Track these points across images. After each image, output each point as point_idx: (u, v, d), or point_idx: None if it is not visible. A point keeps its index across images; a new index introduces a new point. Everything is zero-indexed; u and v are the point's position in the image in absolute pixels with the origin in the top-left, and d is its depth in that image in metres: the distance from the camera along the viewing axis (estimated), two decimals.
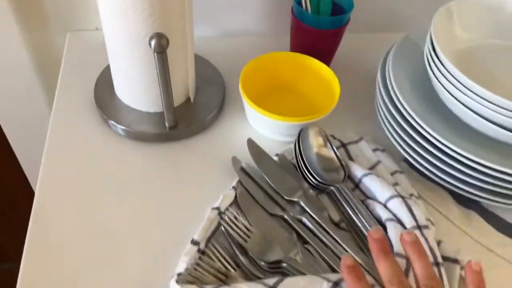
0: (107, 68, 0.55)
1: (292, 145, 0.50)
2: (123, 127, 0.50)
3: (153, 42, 0.42)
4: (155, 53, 0.43)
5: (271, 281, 0.38)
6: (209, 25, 0.65)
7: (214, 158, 0.50)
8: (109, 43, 0.47)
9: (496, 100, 0.42)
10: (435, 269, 0.40)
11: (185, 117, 0.52)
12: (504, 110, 0.42)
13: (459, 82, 0.44)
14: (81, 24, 0.63)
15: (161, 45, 0.42)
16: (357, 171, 0.47)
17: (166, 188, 0.48)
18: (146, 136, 0.51)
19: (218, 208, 0.43)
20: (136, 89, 0.50)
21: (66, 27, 0.63)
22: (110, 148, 0.51)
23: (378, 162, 0.50)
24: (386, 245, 0.36)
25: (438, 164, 0.46)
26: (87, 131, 0.52)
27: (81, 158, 0.49)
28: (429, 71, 0.48)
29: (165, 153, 0.51)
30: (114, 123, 0.51)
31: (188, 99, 0.54)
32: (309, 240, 0.43)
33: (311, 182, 0.47)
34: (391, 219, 0.43)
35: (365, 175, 0.47)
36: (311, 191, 0.47)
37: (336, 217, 0.45)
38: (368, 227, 0.43)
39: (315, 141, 0.48)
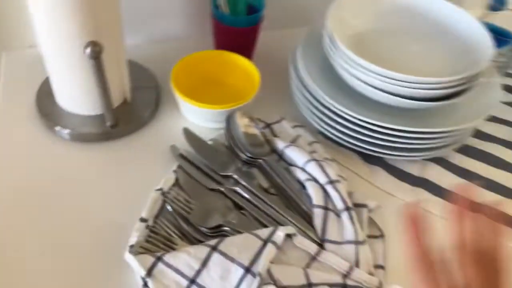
0: (46, 80, 0.59)
1: (223, 131, 0.57)
2: (68, 131, 0.55)
3: (88, 50, 0.48)
4: (91, 59, 0.49)
5: (212, 242, 0.45)
6: (139, 33, 0.70)
7: (155, 149, 0.56)
8: (47, 54, 0.52)
9: (383, 72, 0.51)
10: (346, 213, 0.48)
11: (124, 117, 0.58)
12: (390, 80, 0.52)
13: (353, 61, 0.53)
14: (15, 42, 0.66)
15: (96, 52, 0.48)
16: (280, 144, 0.55)
17: (113, 182, 0.53)
18: (90, 137, 0.56)
19: (161, 189, 0.50)
20: (76, 95, 0.55)
21: (0, 46, 0.67)
22: (58, 153, 0.55)
23: (298, 136, 0.58)
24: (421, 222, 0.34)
25: (345, 131, 0.55)
26: (33, 141, 0.56)
27: (31, 167, 0.54)
28: (329, 55, 0.57)
29: (109, 151, 0.56)
30: (59, 129, 0.56)
31: (125, 100, 0.60)
32: (243, 206, 0.50)
33: (242, 158, 0.54)
34: (309, 179, 0.51)
35: (287, 146, 0.55)
36: (243, 167, 0.54)
37: (265, 184, 0.53)
38: (293, 189, 0.51)
39: (241, 122, 0.55)
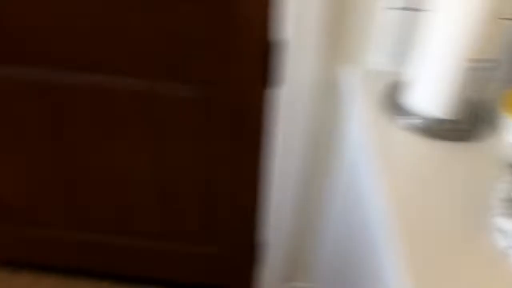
0: (384, 88, 0.75)
1: None
2: (420, 122, 0.69)
3: (468, 64, 0.63)
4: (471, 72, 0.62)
5: None
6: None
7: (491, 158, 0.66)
8: (434, 66, 0.67)
9: None
10: None
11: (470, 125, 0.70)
12: None
13: None
14: (354, 59, 0.84)
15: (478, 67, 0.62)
16: None
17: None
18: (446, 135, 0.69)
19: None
20: (446, 100, 0.68)
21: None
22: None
23: None
24: None
25: None
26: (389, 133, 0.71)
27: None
28: None
29: (463, 150, 0.68)
30: (416, 122, 0.70)
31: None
32: None
33: None
34: None
35: None
36: None
37: None
38: None
39: None
